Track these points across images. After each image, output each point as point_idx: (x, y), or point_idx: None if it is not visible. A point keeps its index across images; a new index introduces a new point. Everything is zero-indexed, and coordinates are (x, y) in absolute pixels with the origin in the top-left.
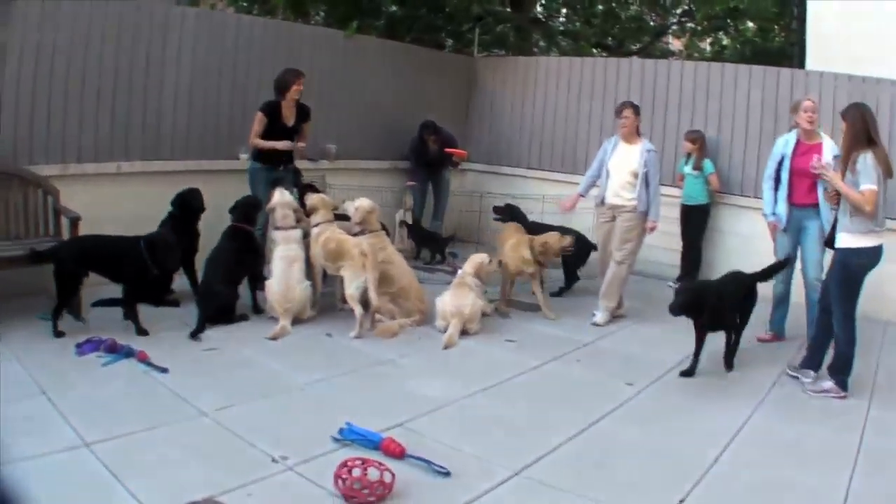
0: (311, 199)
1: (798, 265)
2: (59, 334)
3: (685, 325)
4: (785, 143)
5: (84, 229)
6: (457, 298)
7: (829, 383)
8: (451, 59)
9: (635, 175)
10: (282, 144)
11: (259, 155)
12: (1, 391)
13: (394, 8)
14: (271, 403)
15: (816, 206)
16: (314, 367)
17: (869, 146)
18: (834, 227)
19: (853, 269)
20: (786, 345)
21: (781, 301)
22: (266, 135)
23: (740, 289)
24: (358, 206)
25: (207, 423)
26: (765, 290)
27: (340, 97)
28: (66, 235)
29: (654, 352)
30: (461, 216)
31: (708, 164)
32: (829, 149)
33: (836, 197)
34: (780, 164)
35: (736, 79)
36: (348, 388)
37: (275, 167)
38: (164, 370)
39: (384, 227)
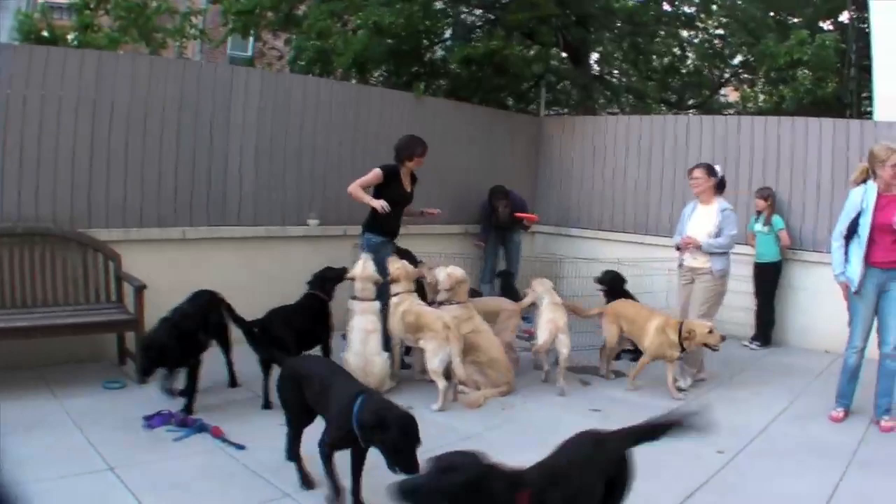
0: (394, 267)
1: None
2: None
3: (772, 387)
4: (863, 196)
5: (148, 297)
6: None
7: None
8: (518, 118)
9: (710, 236)
10: (378, 205)
11: (377, 227)
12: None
13: (456, 68)
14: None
15: None
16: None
17: None
18: None
19: None
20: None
21: (855, 374)
22: (383, 198)
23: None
24: (450, 273)
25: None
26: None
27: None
28: (129, 303)
29: (740, 416)
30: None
31: (778, 220)
32: None
33: None
34: (856, 219)
35: (807, 132)
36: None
37: (391, 239)
38: (241, 447)
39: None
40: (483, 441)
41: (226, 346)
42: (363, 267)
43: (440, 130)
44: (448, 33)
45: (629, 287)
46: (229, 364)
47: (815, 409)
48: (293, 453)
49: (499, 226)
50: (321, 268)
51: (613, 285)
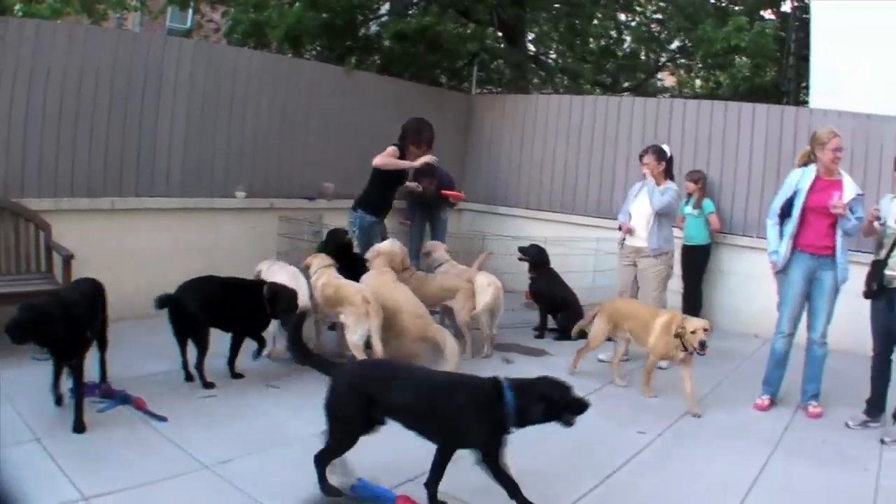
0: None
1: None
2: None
3: (698, 369)
4: (801, 176)
5: (76, 267)
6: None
7: None
8: (449, 95)
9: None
10: (424, 160)
11: (371, 206)
12: None
13: (389, 44)
14: (277, 456)
15: (832, 254)
16: (322, 417)
17: None
18: (877, 274)
19: None
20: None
21: (782, 360)
22: (387, 179)
23: None
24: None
25: (209, 476)
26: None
27: (339, 133)
28: (58, 273)
29: (664, 398)
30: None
31: (708, 204)
32: (850, 187)
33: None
34: (791, 200)
35: (740, 117)
36: (359, 441)
37: (382, 219)
38: (163, 419)
39: None
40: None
41: (102, 342)
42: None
43: (369, 105)
44: (385, 8)
45: (556, 266)
46: (103, 363)
47: (742, 393)
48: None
49: (425, 203)
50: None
51: (537, 258)
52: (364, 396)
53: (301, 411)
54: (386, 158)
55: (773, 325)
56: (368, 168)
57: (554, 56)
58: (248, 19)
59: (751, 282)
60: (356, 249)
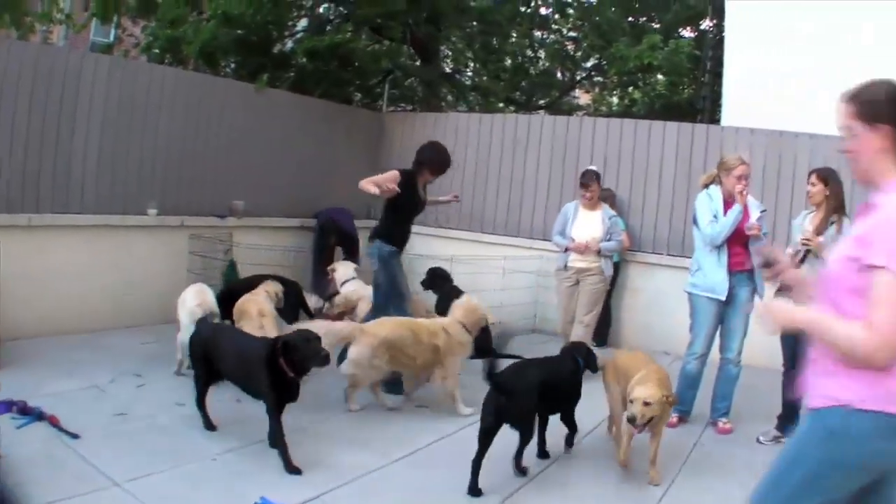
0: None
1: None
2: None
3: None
4: (711, 199)
5: None
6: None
7: None
8: (360, 113)
9: (599, 241)
10: (391, 187)
11: (390, 236)
12: None
13: (304, 61)
14: (184, 473)
15: (747, 271)
16: (228, 435)
17: (843, 210)
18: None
19: None
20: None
21: (694, 381)
22: (399, 206)
23: None
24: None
25: (119, 494)
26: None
27: (249, 151)
28: None
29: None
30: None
31: (618, 221)
32: (755, 206)
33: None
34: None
35: (649, 135)
36: (262, 458)
37: (402, 249)
38: (75, 436)
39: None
40: (305, 434)
41: None
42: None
43: (280, 123)
44: (301, 26)
45: (463, 285)
46: None
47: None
48: None
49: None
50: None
51: (434, 284)
52: None
53: (206, 431)
54: (364, 182)
55: (683, 342)
56: (276, 186)
57: (470, 74)
58: (165, 35)
59: (660, 299)
60: (378, 280)
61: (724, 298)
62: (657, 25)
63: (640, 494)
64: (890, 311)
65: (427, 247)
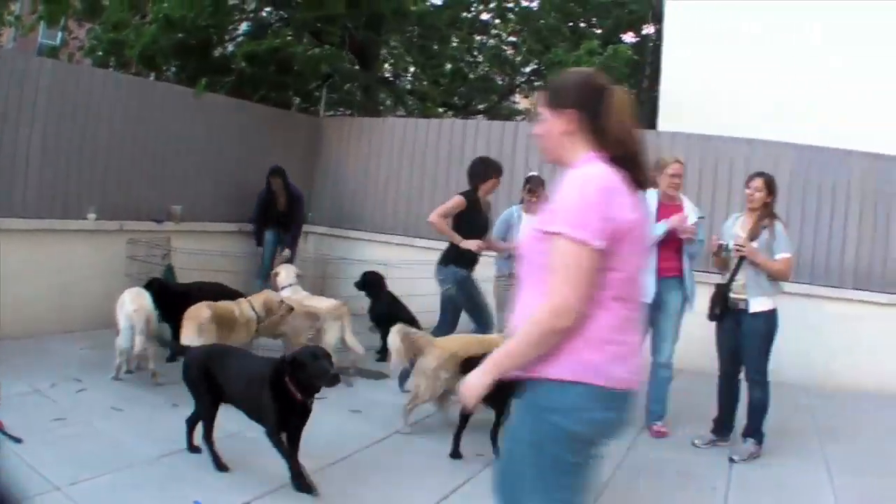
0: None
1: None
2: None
3: None
4: (646, 200)
5: None
6: None
7: (750, 444)
8: (298, 118)
9: None
10: (473, 246)
11: (464, 260)
12: None
13: (243, 65)
14: (122, 478)
15: (677, 276)
16: (164, 440)
17: (775, 215)
18: (721, 297)
19: (776, 329)
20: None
21: None
22: (467, 229)
23: None
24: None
25: (59, 497)
26: None
27: (188, 155)
28: None
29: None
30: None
31: None
32: (691, 210)
33: (724, 261)
34: None
35: None
36: (198, 461)
37: (473, 271)
38: (18, 440)
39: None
40: (241, 440)
41: None
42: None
43: (218, 128)
44: (242, 29)
45: (399, 289)
46: None
47: None
48: None
49: (277, 218)
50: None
51: (367, 287)
52: None
53: (144, 434)
54: (436, 219)
55: None
56: (214, 191)
57: (410, 79)
58: (108, 38)
59: None
60: (451, 303)
61: (649, 301)
62: (599, 31)
63: None
64: (563, 273)
65: (364, 252)
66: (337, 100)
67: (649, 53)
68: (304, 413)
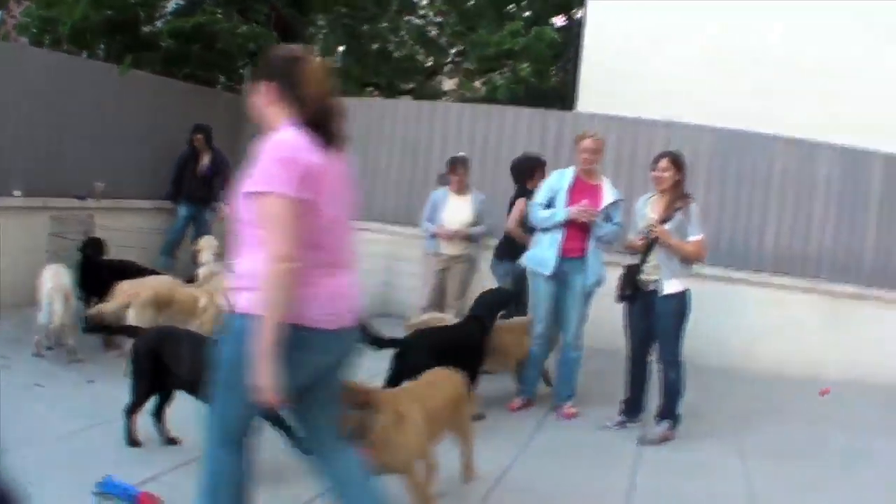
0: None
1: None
2: None
3: None
4: (560, 177)
5: None
6: None
7: (664, 427)
8: (222, 96)
9: (468, 225)
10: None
11: (518, 252)
12: None
13: (167, 43)
14: (35, 453)
15: (581, 256)
16: (77, 415)
17: (688, 196)
18: (631, 278)
19: (688, 310)
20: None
21: (537, 362)
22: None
23: None
24: None
25: None
26: None
27: (111, 132)
28: None
29: None
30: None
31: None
32: (610, 192)
33: (645, 244)
34: (552, 201)
35: (503, 121)
36: (108, 437)
37: None
38: None
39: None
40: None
41: None
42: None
43: (143, 105)
44: (171, 6)
45: None
46: None
47: (496, 393)
48: None
49: (192, 192)
50: None
51: None
52: None
53: (65, 410)
54: (514, 229)
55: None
56: (138, 170)
57: (337, 58)
58: (38, 15)
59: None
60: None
61: (548, 273)
62: (528, 14)
63: (479, 474)
64: (272, 226)
65: None
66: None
67: (576, 35)
68: None
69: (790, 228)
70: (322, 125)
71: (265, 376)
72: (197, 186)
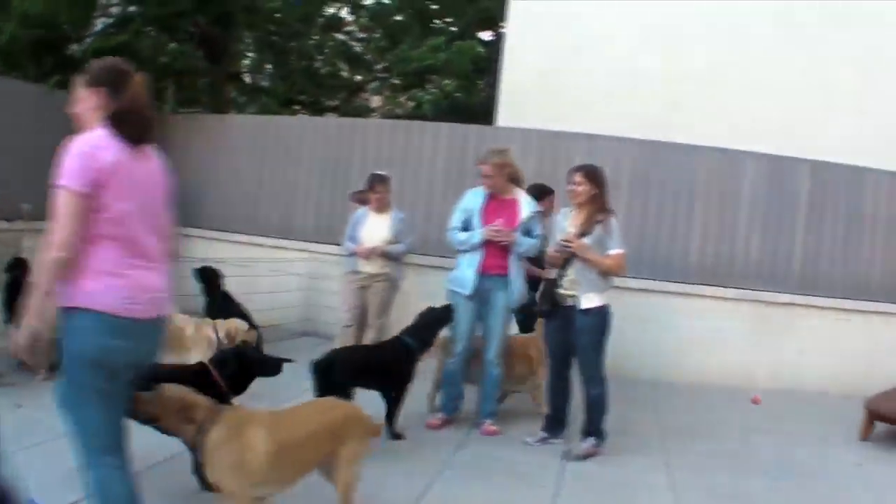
0: None
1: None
2: None
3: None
4: (473, 197)
5: None
6: None
7: (590, 444)
8: None
9: (387, 243)
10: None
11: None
12: None
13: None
14: None
15: (504, 274)
16: (7, 439)
17: (609, 210)
18: (549, 293)
19: (608, 325)
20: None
21: (455, 379)
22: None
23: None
24: None
25: None
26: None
27: (37, 153)
28: None
29: None
30: None
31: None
32: (526, 205)
33: (563, 260)
34: (468, 223)
35: (422, 136)
36: (34, 461)
37: None
38: None
39: None
40: None
41: None
42: None
43: (67, 125)
44: (99, 26)
45: (237, 287)
46: None
47: (416, 411)
48: None
49: None
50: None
51: (204, 281)
52: None
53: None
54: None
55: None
56: (41, 190)
57: (263, 76)
58: None
59: (429, 300)
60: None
61: (467, 293)
62: (454, 29)
63: (399, 494)
64: (56, 217)
65: (205, 250)
66: (185, 98)
67: (499, 50)
68: None
69: (716, 238)
70: (134, 129)
71: (23, 337)
72: None
